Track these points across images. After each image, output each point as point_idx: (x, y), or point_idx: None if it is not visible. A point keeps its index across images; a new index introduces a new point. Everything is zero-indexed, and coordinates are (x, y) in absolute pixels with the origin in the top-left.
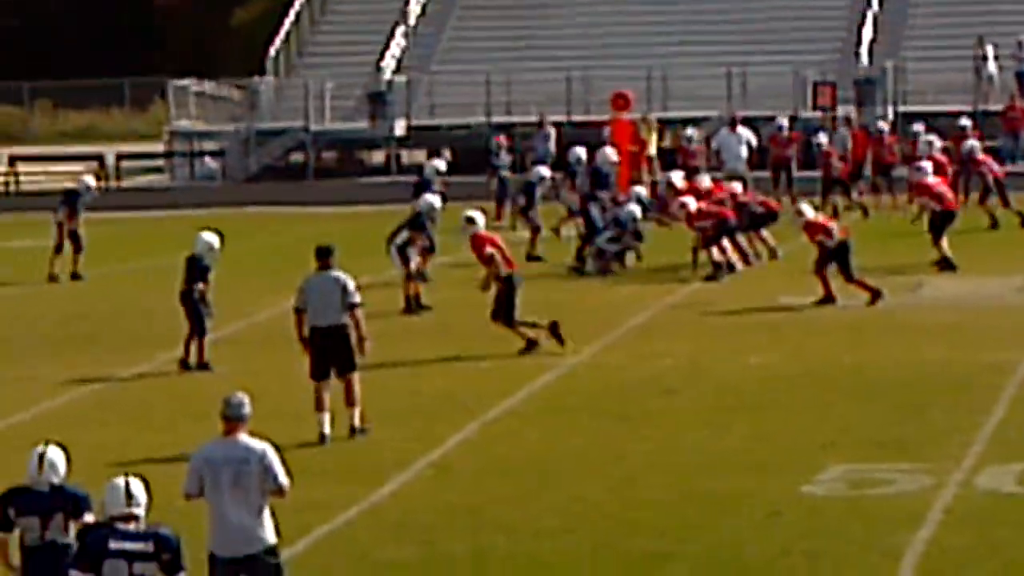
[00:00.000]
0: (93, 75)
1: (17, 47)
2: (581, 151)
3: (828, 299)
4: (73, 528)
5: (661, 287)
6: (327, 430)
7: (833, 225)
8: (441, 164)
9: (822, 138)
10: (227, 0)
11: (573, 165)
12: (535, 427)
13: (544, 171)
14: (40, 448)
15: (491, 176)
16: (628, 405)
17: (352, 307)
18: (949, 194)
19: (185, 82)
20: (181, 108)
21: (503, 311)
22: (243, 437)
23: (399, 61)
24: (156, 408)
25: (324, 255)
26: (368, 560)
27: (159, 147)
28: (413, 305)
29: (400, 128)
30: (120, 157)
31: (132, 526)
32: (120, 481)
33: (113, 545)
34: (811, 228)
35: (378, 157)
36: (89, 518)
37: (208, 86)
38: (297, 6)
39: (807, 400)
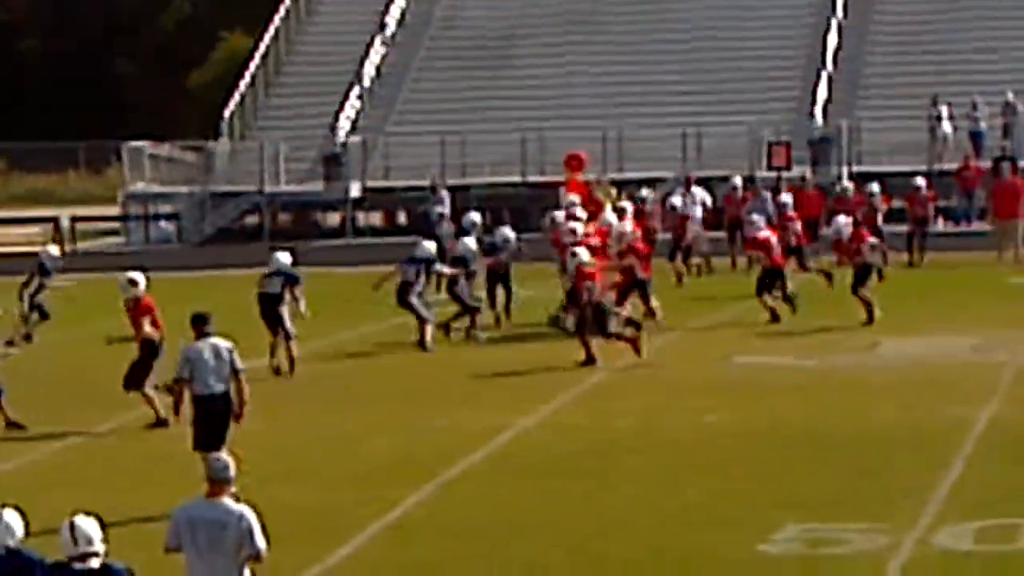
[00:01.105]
0: (48, 138)
1: None
2: (475, 216)
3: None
4: None
5: (610, 347)
6: None
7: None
8: (476, 217)
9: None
10: (182, 63)
11: (468, 229)
12: (494, 487)
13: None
14: None
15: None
16: (586, 464)
17: (237, 373)
18: (778, 250)
19: (141, 144)
20: (136, 171)
21: (133, 376)
22: (225, 500)
23: (354, 122)
24: (118, 468)
25: (202, 322)
26: None
27: (115, 210)
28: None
29: (356, 190)
30: (75, 220)
31: (88, 564)
32: (68, 522)
33: None
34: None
35: (333, 219)
36: None
37: (164, 149)
38: (252, 69)
39: (763, 458)
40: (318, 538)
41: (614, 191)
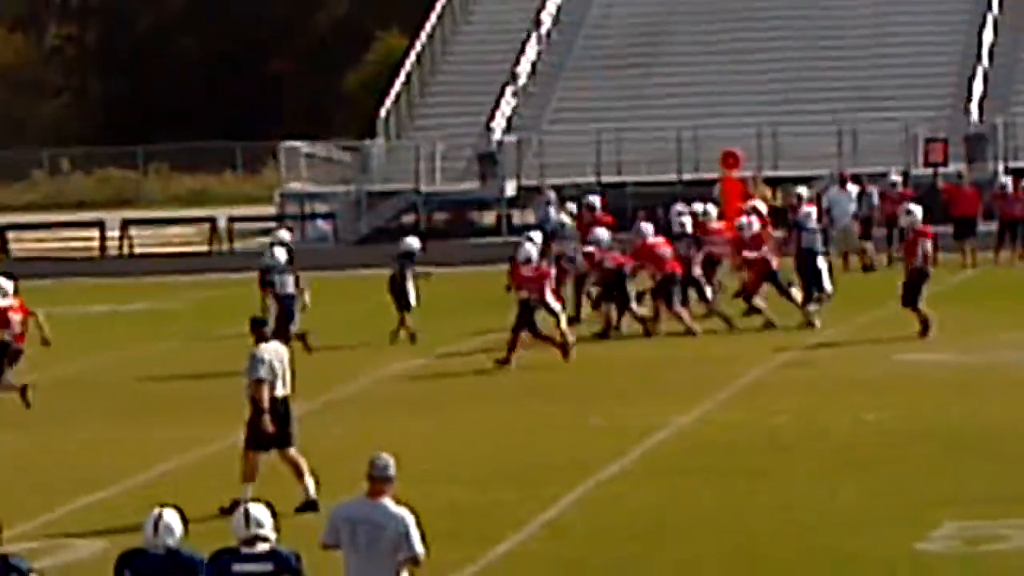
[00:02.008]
0: (206, 139)
1: (131, 112)
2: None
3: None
4: None
5: (769, 344)
6: (248, 496)
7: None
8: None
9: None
10: (339, 64)
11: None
12: (650, 486)
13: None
14: (156, 511)
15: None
16: (742, 463)
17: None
18: (668, 256)
19: (297, 144)
20: (293, 170)
21: None
22: (385, 501)
23: (509, 121)
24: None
25: (261, 325)
26: None
27: (271, 210)
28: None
29: (510, 188)
30: (232, 220)
31: (257, 548)
32: (242, 508)
33: (236, 568)
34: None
35: (488, 218)
36: None
37: (320, 148)
38: (407, 68)
39: (920, 456)
40: (476, 536)
41: (769, 190)
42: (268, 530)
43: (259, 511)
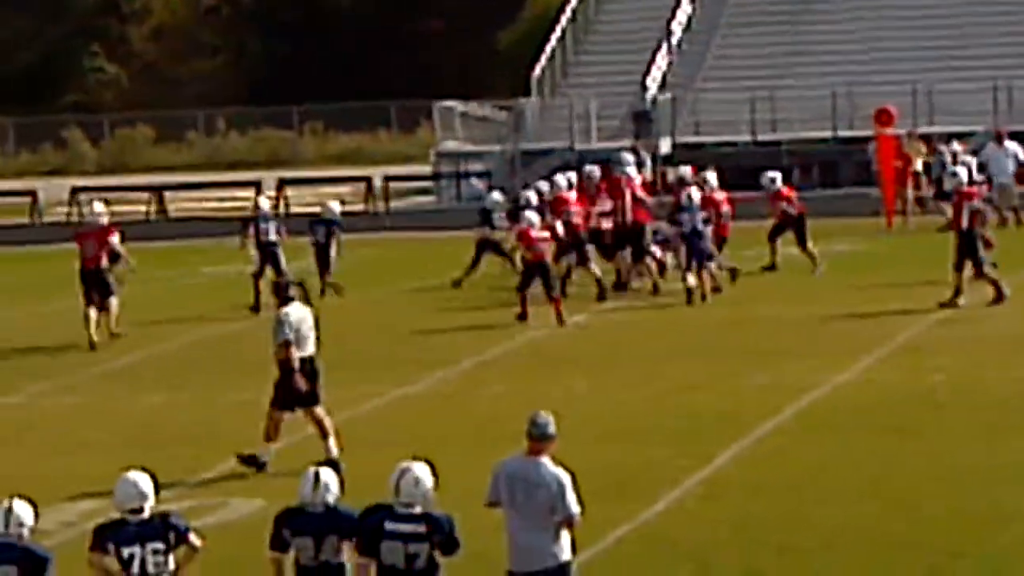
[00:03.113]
0: (361, 98)
1: (286, 72)
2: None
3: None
4: (347, 550)
5: (924, 303)
6: (268, 459)
7: None
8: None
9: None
10: (492, 22)
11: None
12: (805, 444)
13: None
14: (314, 469)
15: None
16: (899, 420)
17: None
18: (545, 245)
19: (451, 103)
20: (447, 130)
21: None
22: (543, 460)
23: (663, 79)
24: (431, 428)
25: (285, 289)
26: None
27: (426, 169)
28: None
29: (665, 146)
30: (388, 179)
31: (413, 509)
32: (401, 469)
33: (389, 526)
34: None
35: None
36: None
37: (474, 107)
38: (561, 26)
39: None
40: (633, 494)
41: (923, 146)
42: (420, 494)
43: (422, 472)
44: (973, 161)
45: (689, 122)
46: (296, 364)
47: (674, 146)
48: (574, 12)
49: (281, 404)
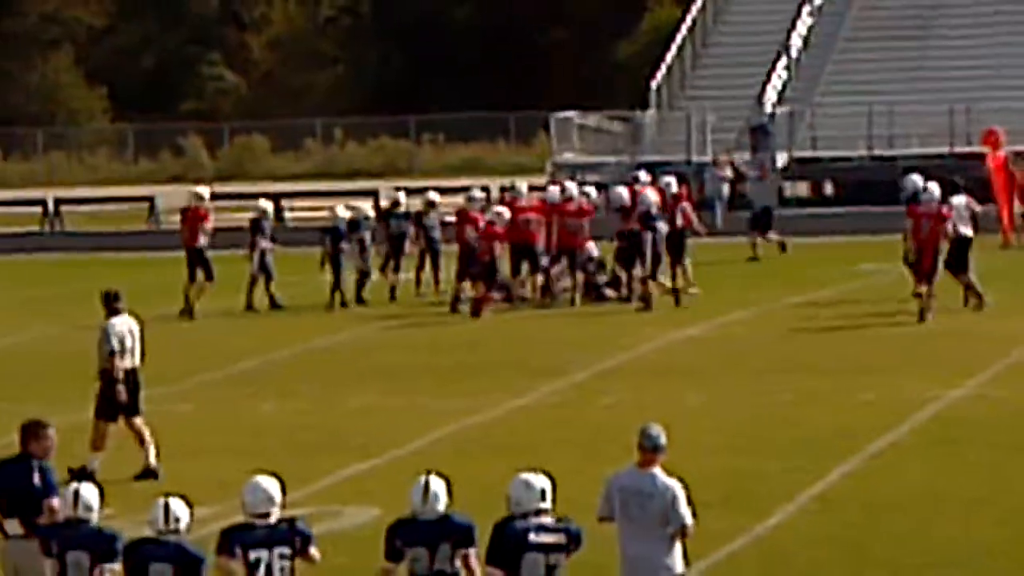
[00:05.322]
0: (480, 109)
1: (405, 82)
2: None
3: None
4: (459, 559)
5: None
6: (96, 467)
7: None
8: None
9: None
10: (611, 34)
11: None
12: (920, 460)
13: None
14: (424, 477)
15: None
16: (1015, 437)
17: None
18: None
19: (569, 114)
20: (564, 141)
21: None
22: (656, 471)
23: (781, 93)
24: (537, 441)
25: (115, 299)
26: None
27: (543, 180)
28: None
29: (782, 160)
30: (504, 189)
31: (547, 519)
32: (524, 477)
33: (533, 539)
34: None
35: None
36: (472, 549)
37: (591, 119)
38: (680, 39)
39: None
40: (747, 507)
41: None
42: (549, 503)
43: (543, 483)
44: None
45: (807, 136)
46: (119, 375)
47: (791, 160)
48: (692, 25)
49: (104, 414)
